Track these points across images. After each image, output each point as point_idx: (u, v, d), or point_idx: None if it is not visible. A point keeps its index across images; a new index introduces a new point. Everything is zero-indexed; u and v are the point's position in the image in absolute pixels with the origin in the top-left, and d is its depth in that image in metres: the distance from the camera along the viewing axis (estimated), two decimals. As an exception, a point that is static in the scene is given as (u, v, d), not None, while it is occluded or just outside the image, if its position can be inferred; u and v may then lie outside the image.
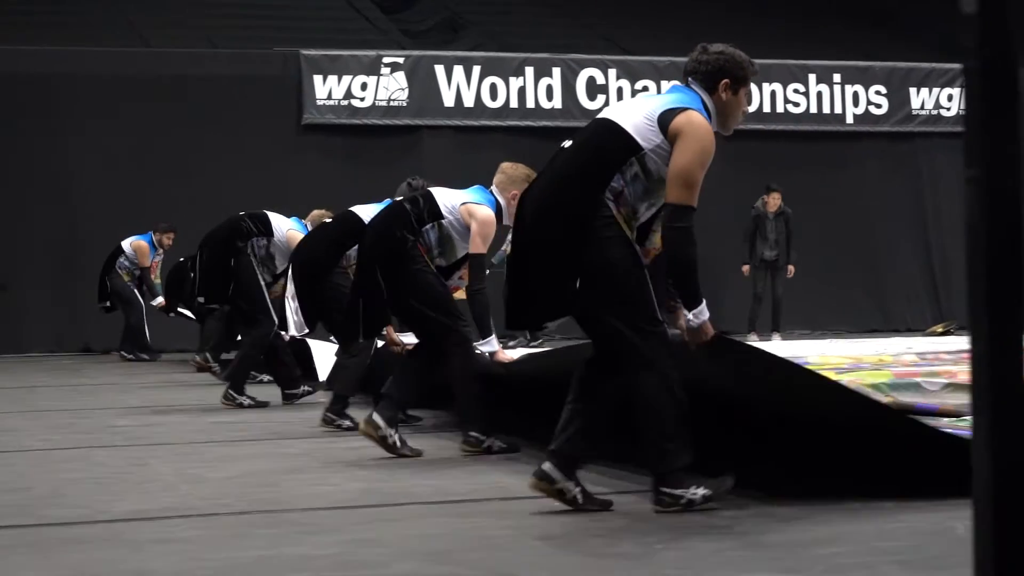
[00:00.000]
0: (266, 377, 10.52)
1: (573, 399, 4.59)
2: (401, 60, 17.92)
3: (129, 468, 6.16)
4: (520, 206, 4.71)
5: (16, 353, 16.60)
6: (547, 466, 4.53)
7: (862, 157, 19.30)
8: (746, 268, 16.74)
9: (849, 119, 19.30)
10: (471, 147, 17.25)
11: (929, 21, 21.03)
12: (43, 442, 7.35)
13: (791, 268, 16.70)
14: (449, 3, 21.96)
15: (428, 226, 6.58)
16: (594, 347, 4.64)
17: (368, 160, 17.12)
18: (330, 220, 8.95)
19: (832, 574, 3.57)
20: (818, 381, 4.71)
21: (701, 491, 4.39)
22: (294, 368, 9.72)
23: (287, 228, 9.70)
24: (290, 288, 8.62)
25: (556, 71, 18.30)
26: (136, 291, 15.94)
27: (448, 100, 17.95)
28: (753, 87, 17.38)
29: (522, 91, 18.18)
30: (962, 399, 5.05)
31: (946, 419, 5.57)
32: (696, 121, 4.48)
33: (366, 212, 7.96)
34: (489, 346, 6.52)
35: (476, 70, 18.07)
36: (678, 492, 4.39)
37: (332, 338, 9.82)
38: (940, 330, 16.82)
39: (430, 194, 6.73)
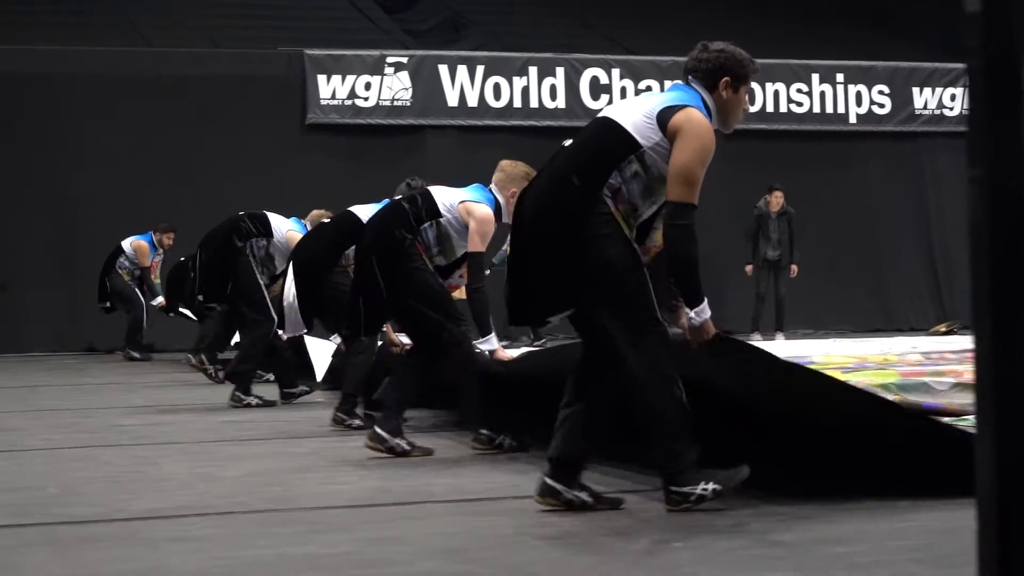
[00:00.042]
0: (271, 376, 10.52)
1: (569, 400, 4.58)
2: (405, 60, 17.92)
3: (140, 467, 6.15)
4: (519, 205, 4.69)
5: (18, 352, 16.60)
6: (550, 480, 4.53)
7: (865, 157, 19.30)
8: (749, 268, 16.73)
9: (852, 119, 19.30)
10: (475, 147, 17.23)
11: (929, 21, 21.04)
12: (49, 441, 7.34)
13: (794, 268, 16.70)
14: (451, 3, 21.96)
15: (426, 225, 6.56)
16: (586, 347, 4.63)
17: (372, 160, 17.12)
18: (329, 220, 8.95)
19: (851, 572, 3.56)
20: (819, 381, 4.70)
21: (711, 486, 4.37)
22: (292, 367, 9.73)
23: (286, 229, 9.69)
24: (288, 288, 8.62)
25: (560, 71, 18.30)
26: (137, 290, 15.94)
27: (452, 100, 17.95)
28: (755, 86, 17.35)
29: (525, 91, 18.18)
30: (970, 399, 5.04)
31: (947, 419, 5.57)
32: (695, 118, 4.47)
33: (364, 212, 7.95)
34: (488, 344, 6.50)
35: (480, 70, 18.07)
36: (686, 490, 4.38)
37: (332, 337, 9.83)
38: (943, 330, 16.81)
39: (428, 193, 6.72)
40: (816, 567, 3.63)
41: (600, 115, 4.71)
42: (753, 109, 18.66)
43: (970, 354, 2.17)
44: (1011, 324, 2.08)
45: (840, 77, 19.22)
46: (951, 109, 19.56)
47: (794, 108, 19.10)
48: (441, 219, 6.57)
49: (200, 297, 10.05)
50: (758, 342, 14.56)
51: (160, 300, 15.52)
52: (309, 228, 9.56)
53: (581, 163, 4.52)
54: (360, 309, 6.80)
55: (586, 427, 4.54)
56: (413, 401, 6.68)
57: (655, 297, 4.47)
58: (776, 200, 16.59)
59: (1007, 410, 2.09)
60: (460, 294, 7.61)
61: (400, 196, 7.15)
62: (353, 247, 7.57)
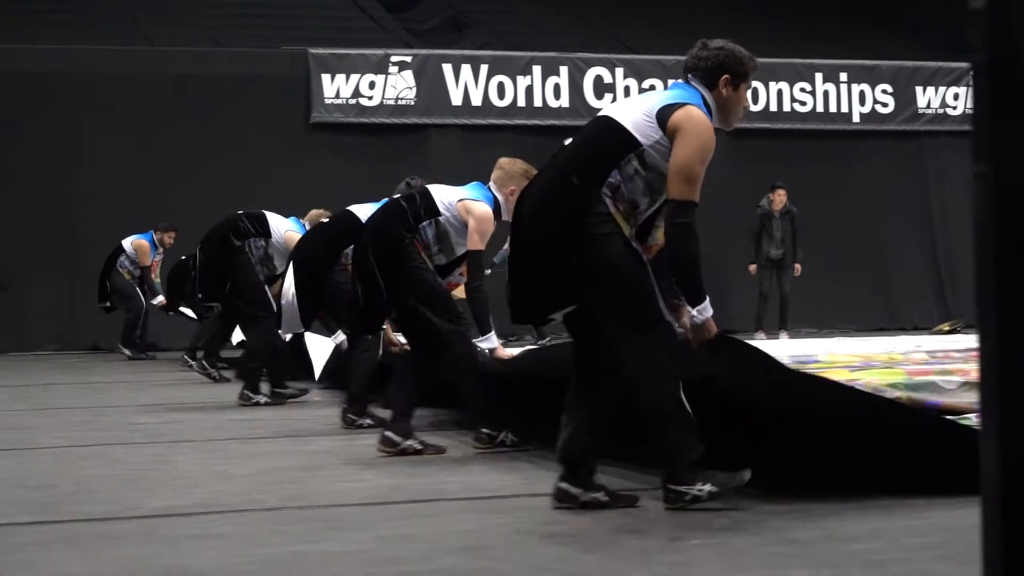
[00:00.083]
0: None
1: (572, 399, 4.59)
2: (409, 59, 17.94)
3: (153, 465, 6.18)
4: (519, 204, 4.69)
5: (21, 352, 16.63)
6: (565, 485, 4.55)
7: (868, 156, 19.32)
8: (753, 267, 16.75)
9: (855, 118, 19.33)
10: (479, 146, 17.24)
11: (929, 20, 21.08)
12: (62, 439, 7.36)
13: (798, 266, 16.72)
14: (453, 2, 21.98)
15: (425, 223, 6.56)
16: (579, 346, 4.64)
17: (376, 159, 17.14)
18: (328, 219, 8.95)
19: (870, 569, 3.58)
20: (816, 382, 4.70)
21: (708, 487, 4.37)
22: (287, 368, 9.74)
23: (285, 229, 9.71)
24: (288, 287, 8.64)
25: (563, 70, 18.32)
26: (138, 288, 15.96)
27: (456, 99, 17.97)
28: (759, 85, 17.36)
29: (529, 90, 18.20)
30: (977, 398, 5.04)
31: (948, 416, 5.59)
32: (695, 116, 4.47)
33: (363, 211, 7.95)
34: (488, 343, 6.50)
35: (484, 69, 18.09)
36: (683, 489, 4.37)
37: (333, 336, 9.84)
38: (947, 328, 16.83)
39: (427, 191, 6.72)
40: (833, 564, 3.65)
41: (600, 114, 4.72)
42: (757, 108, 18.70)
43: (975, 353, 2.16)
44: (1016, 321, 2.07)
45: (843, 76, 19.25)
46: (954, 108, 19.58)
47: (797, 107, 19.12)
48: (440, 217, 6.57)
49: (199, 296, 10.09)
50: (762, 341, 14.63)
51: (161, 299, 15.54)
52: (308, 228, 9.57)
53: (581, 162, 4.51)
54: (360, 308, 6.81)
55: (592, 426, 4.56)
56: (419, 401, 6.70)
57: (660, 294, 4.47)
58: (779, 198, 16.61)
59: (1012, 408, 2.08)
60: (460, 293, 7.62)
61: (399, 195, 7.13)
62: (352, 246, 7.59)
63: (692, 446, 4.38)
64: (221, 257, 9.64)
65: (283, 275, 9.10)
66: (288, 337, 9.70)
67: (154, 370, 13.96)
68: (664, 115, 4.47)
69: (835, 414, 4.82)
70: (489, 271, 12.71)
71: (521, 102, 18.15)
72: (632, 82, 18.37)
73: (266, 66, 17.79)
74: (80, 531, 4.45)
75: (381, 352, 7.89)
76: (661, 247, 4.56)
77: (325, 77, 17.60)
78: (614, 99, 17.74)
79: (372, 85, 17.69)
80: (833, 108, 19.24)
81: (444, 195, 6.67)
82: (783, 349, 12.12)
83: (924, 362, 10.17)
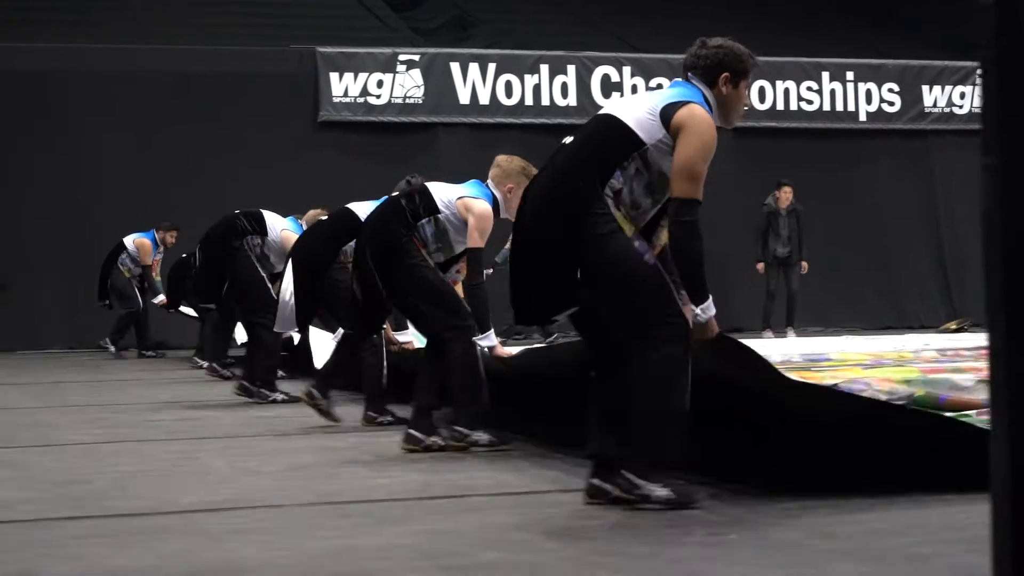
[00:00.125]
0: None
1: (596, 396, 4.60)
2: (417, 57, 17.98)
3: (182, 461, 6.20)
4: (521, 203, 4.68)
5: (31, 350, 16.67)
6: (595, 480, 4.56)
7: (875, 155, 19.36)
8: (760, 266, 16.78)
9: (862, 117, 19.37)
10: (487, 144, 17.20)
11: (929, 18, 21.14)
12: (86, 436, 7.39)
13: (804, 264, 16.75)
14: (458, 1, 22.00)
15: (424, 221, 6.57)
16: (593, 343, 4.64)
17: (384, 157, 17.16)
18: (327, 217, 8.95)
19: (914, 563, 3.60)
20: (810, 390, 4.70)
21: (664, 492, 4.33)
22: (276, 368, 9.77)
23: (281, 228, 9.72)
24: (286, 285, 8.66)
25: (571, 69, 18.36)
26: (136, 289, 15.98)
27: (464, 97, 18.01)
28: (766, 84, 17.41)
29: (537, 89, 18.24)
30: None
31: (950, 413, 5.61)
32: (698, 115, 4.47)
33: (363, 209, 7.95)
34: (488, 341, 6.48)
35: (491, 68, 18.13)
36: (638, 482, 4.34)
37: (334, 336, 9.86)
38: (954, 327, 16.87)
39: (426, 189, 6.72)
40: (876, 558, 3.66)
41: (601, 112, 4.70)
42: (763, 107, 18.74)
43: (986, 351, 2.15)
44: (1024, 313, 2.06)
45: (850, 75, 19.29)
46: (960, 107, 19.63)
47: (804, 106, 19.16)
48: (439, 215, 6.58)
49: (198, 296, 10.12)
50: (770, 340, 14.66)
51: (161, 298, 15.56)
52: (305, 228, 9.58)
53: (582, 161, 4.50)
54: (360, 308, 6.81)
55: (619, 420, 4.57)
56: (438, 396, 6.72)
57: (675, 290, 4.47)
58: (785, 196, 16.65)
59: (1021, 403, 2.08)
60: (457, 290, 7.61)
61: (398, 192, 7.12)
62: (351, 243, 7.60)
63: (674, 450, 4.38)
64: (219, 257, 9.67)
65: (282, 274, 9.13)
66: (296, 339, 9.73)
67: (164, 368, 14.00)
68: (668, 113, 4.47)
69: (826, 415, 4.81)
70: (491, 270, 12.76)
71: (529, 101, 18.19)
72: (639, 80, 18.42)
73: (274, 65, 17.82)
74: (120, 526, 4.47)
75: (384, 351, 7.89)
76: (664, 246, 4.57)
77: (333, 76, 17.63)
78: (622, 97, 17.78)
79: (380, 84, 17.72)
80: (840, 107, 19.29)
81: (443, 193, 6.68)
82: (793, 347, 12.18)
83: (935, 360, 10.23)
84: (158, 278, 15.88)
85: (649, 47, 19.34)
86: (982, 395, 5.50)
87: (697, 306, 4.44)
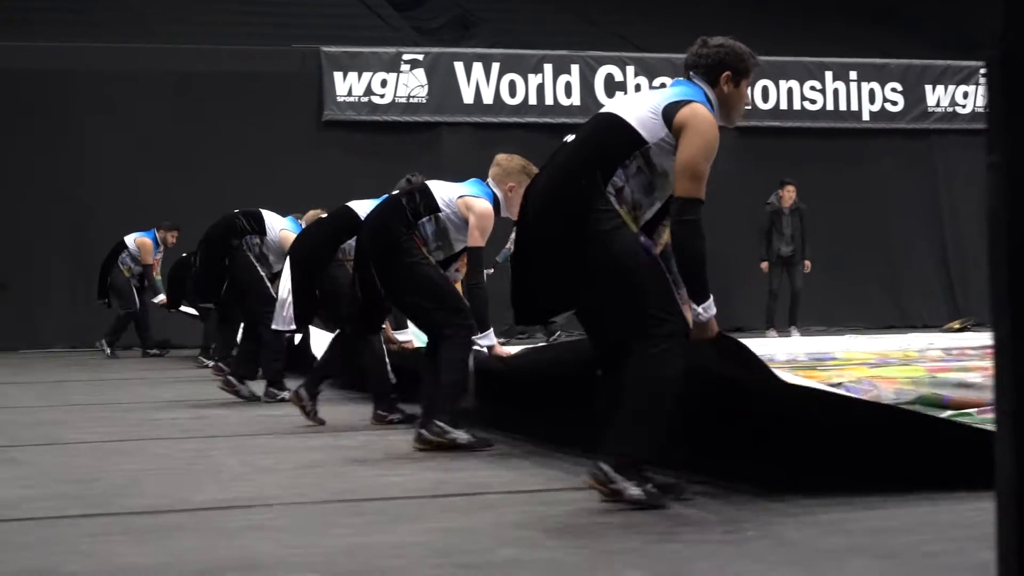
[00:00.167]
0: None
1: (605, 393, 4.60)
2: (421, 57, 17.99)
3: (194, 459, 6.20)
4: (524, 202, 4.68)
5: (33, 349, 16.68)
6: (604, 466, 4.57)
7: (878, 154, 19.38)
8: (764, 265, 16.78)
9: (865, 116, 19.39)
10: (490, 144, 17.15)
11: (928, 17, 21.16)
12: (94, 435, 7.39)
13: (807, 263, 16.76)
14: (460, 0, 22.02)
15: (424, 219, 6.56)
16: (599, 341, 4.63)
17: (388, 157, 17.18)
18: (326, 216, 8.94)
19: (928, 559, 3.61)
20: (806, 392, 4.70)
21: (636, 492, 4.33)
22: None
23: (280, 228, 9.72)
24: (284, 284, 8.65)
25: (574, 68, 18.37)
26: (135, 289, 15.98)
27: (467, 97, 18.02)
28: (770, 83, 17.43)
29: (540, 88, 18.26)
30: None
31: (948, 412, 5.61)
32: (701, 114, 4.47)
33: (362, 207, 7.94)
34: (487, 340, 6.47)
35: (495, 67, 18.15)
36: (614, 476, 4.32)
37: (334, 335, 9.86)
38: (957, 326, 16.89)
39: (426, 187, 6.71)
40: (890, 555, 3.67)
41: (603, 111, 4.70)
42: (767, 106, 18.75)
43: (991, 350, 2.14)
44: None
45: (853, 75, 19.31)
46: (964, 107, 19.65)
47: (808, 105, 19.18)
48: (440, 214, 6.58)
49: (197, 295, 10.11)
50: (773, 339, 14.66)
51: (162, 297, 15.57)
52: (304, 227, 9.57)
53: (584, 159, 4.49)
54: (360, 308, 6.80)
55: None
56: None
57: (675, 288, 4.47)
58: (788, 195, 16.66)
59: None
60: (457, 289, 7.61)
61: (398, 191, 7.10)
62: (351, 241, 7.58)
63: (652, 450, 4.39)
64: (218, 257, 9.67)
65: (280, 275, 9.14)
66: (298, 339, 9.73)
67: (168, 367, 14.01)
68: (670, 112, 4.47)
69: (822, 417, 4.80)
70: (492, 269, 12.76)
71: (532, 100, 18.21)
72: (643, 80, 18.43)
73: (278, 64, 17.84)
74: (135, 524, 4.47)
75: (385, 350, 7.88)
76: (666, 245, 4.57)
77: (337, 75, 17.64)
78: (625, 97, 17.78)
79: (384, 83, 17.74)
80: (843, 106, 19.30)
81: (444, 191, 6.67)
82: (799, 347, 12.18)
83: (940, 359, 10.23)
84: (158, 277, 15.88)
85: (650, 46, 19.36)
86: (989, 395, 5.50)
87: (698, 305, 4.45)
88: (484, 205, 6.56)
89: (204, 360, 13.43)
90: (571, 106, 18.19)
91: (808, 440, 4.86)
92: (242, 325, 10.47)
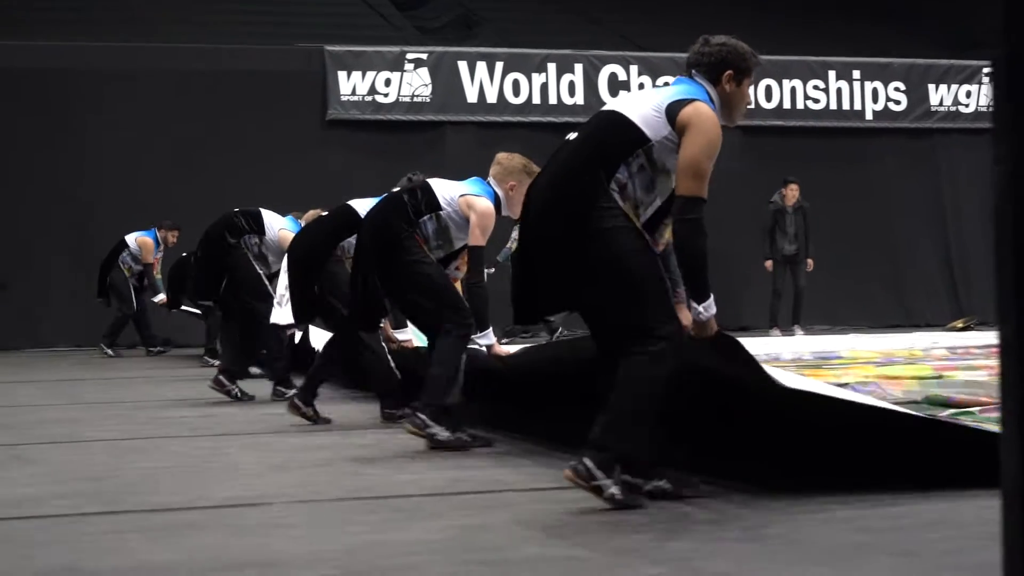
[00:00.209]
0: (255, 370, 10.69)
1: (608, 391, 4.61)
2: (424, 56, 18.00)
3: (206, 457, 6.22)
4: (527, 200, 4.68)
5: (39, 348, 16.69)
6: (626, 476, 4.56)
7: (881, 153, 19.40)
8: (769, 263, 16.80)
9: (868, 115, 19.40)
10: (494, 143, 17.12)
11: (928, 16, 21.17)
12: (107, 433, 7.41)
13: (810, 262, 16.78)
14: (463, 0, 22.05)
15: (426, 217, 6.57)
16: (598, 342, 4.64)
17: (392, 156, 17.19)
18: (327, 214, 8.95)
19: (949, 557, 3.62)
20: (801, 396, 4.71)
21: (615, 491, 4.32)
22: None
23: (279, 227, 9.73)
24: (282, 280, 8.66)
25: (578, 67, 18.39)
26: (133, 290, 15.99)
27: (471, 96, 18.04)
28: (773, 83, 17.46)
29: (544, 87, 18.28)
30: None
31: (949, 411, 5.63)
32: (704, 112, 4.48)
33: (363, 206, 7.92)
34: (486, 339, 6.48)
35: (499, 66, 18.16)
36: (596, 474, 4.29)
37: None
38: (960, 326, 16.91)
39: (428, 186, 6.71)
40: (911, 553, 3.68)
41: (605, 109, 4.70)
42: (770, 105, 18.77)
43: (996, 349, 2.13)
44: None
45: (856, 74, 19.32)
46: (967, 106, 19.66)
47: (811, 104, 19.20)
48: (441, 212, 6.58)
49: (196, 293, 10.12)
50: (777, 338, 14.68)
51: (161, 297, 15.57)
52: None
53: (586, 157, 4.50)
54: (358, 306, 6.81)
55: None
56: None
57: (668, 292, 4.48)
58: (792, 193, 16.67)
59: None
60: (456, 287, 7.62)
61: (399, 188, 7.10)
62: (351, 239, 7.58)
63: (635, 449, 4.40)
64: (216, 255, 9.68)
65: (278, 274, 9.15)
66: (298, 337, 9.74)
67: (171, 366, 14.01)
68: (673, 111, 4.47)
69: (819, 418, 4.81)
70: (492, 269, 12.78)
71: (536, 99, 18.23)
72: (647, 79, 18.44)
73: (281, 63, 17.85)
74: (154, 521, 4.48)
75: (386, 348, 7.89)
76: (668, 244, 4.58)
77: (341, 74, 17.65)
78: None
79: (388, 82, 17.75)
80: (846, 106, 19.32)
81: (445, 190, 6.67)
82: (804, 345, 12.20)
83: (945, 358, 10.25)
84: (159, 276, 15.90)
85: (652, 45, 19.38)
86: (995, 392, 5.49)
87: (699, 304, 4.45)
88: (485, 204, 6.57)
89: (210, 360, 13.44)
90: (575, 105, 18.20)
91: (807, 440, 4.87)
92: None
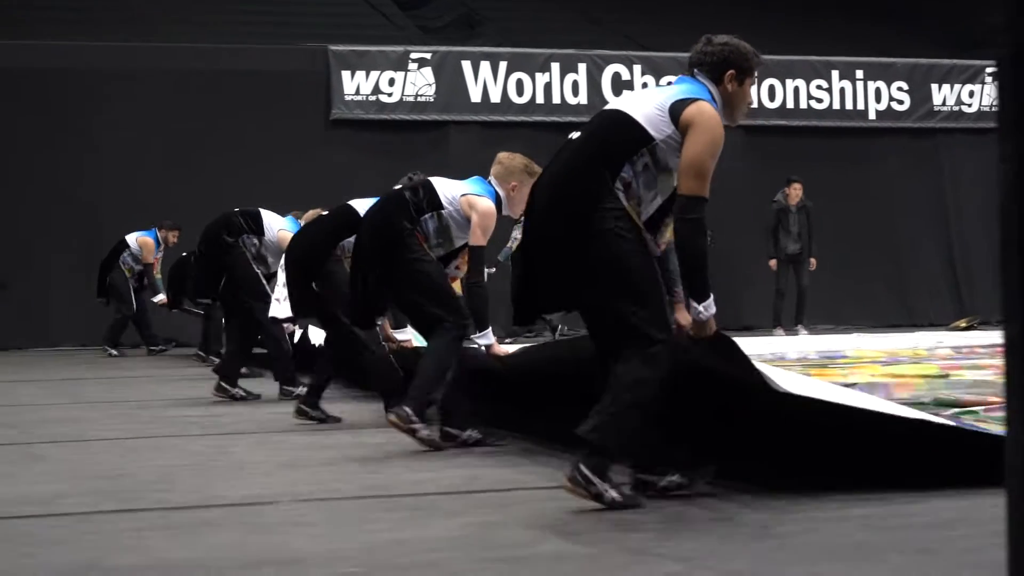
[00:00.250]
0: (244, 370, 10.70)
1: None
2: (428, 56, 18.01)
3: (219, 456, 6.22)
4: (530, 200, 4.68)
5: (44, 347, 16.70)
6: (637, 474, 4.59)
7: (884, 153, 19.41)
8: (773, 262, 16.80)
9: (871, 115, 19.41)
10: (498, 142, 17.10)
11: (928, 15, 21.18)
12: (117, 432, 7.42)
13: (813, 261, 16.78)
14: (466, -1, 22.09)
15: (427, 216, 6.55)
16: (600, 344, 4.62)
17: (396, 155, 17.17)
18: (327, 213, 8.94)
19: (966, 555, 3.63)
20: (797, 400, 4.71)
21: (612, 494, 4.33)
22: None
23: (278, 228, 9.72)
24: (281, 278, 8.66)
25: (581, 67, 18.40)
26: (132, 290, 15.99)
27: (475, 95, 18.04)
28: (776, 82, 17.45)
29: (548, 87, 18.29)
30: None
31: (952, 410, 5.63)
32: (707, 112, 4.48)
33: (363, 206, 7.89)
34: (486, 339, 6.47)
35: (502, 66, 18.17)
36: (593, 479, 4.30)
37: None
38: (963, 325, 16.91)
39: (430, 184, 6.69)
40: (927, 551, 3.68)
41: (607, 108, 4.70)
42: (773, 105, 18.78)
43: (1000, 348, 2.12)
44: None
45: (859, 74, 19.33)
46: (969, 106, 19.68)
47: (814, 104, 19.21)
48: (443, 211, 6.56)
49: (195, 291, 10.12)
50: (781, 337, 14.69)
51: (161, 297, 15.57)
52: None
53: (588, 157, 4.50)
54: (356, 305, 6.83)
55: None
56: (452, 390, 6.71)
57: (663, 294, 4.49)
58: (795, 192, 16.68)
59: None
60: (456, 286, 7.63)
61: (400, 186, 7.07)
62: (350, 239, 7.58)
63: (624, 452, 4.41)
64: (214, 255, 9.69)
65: (276, 275, 9.16)
66: (298, 335, 9.74)
67: (175, 365, 14.02)
68: (677, 110, 4.48)
69: (817, 418, 4.82)
70: (493, 269, 12.78)
71: (540, 99, 18.23)
72: (650, 79, 18.45)
73: (285, 62, 17.85)
74: (172, 519, 4.49)
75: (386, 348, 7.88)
76: (669, 244, 4.59)
77: (345, 74, 17.66)
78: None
79: (392, 82, 17.76)
80: (849, 105, 19.33)
81: (447, 189, 6.66)
82: (809, 345, 12.20)
83: (950, 357, 10.26)
84: (159, 276, 15.90)
85: (653, 45, 19.40)
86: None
87: (699, 303, 4.45)
88: (487, 204, 6.56)
89: (203, 355, 13.44)
90: (578, 105, 18.21)
91: (807, 440, 4.87)
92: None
